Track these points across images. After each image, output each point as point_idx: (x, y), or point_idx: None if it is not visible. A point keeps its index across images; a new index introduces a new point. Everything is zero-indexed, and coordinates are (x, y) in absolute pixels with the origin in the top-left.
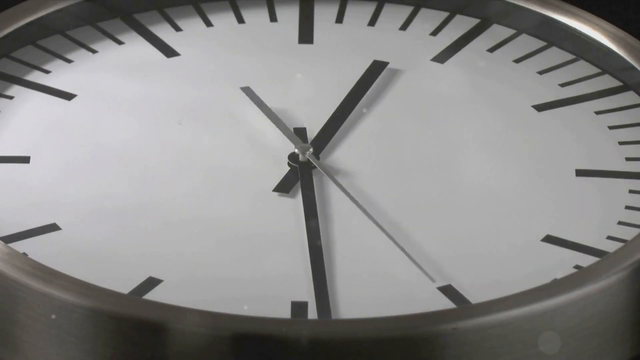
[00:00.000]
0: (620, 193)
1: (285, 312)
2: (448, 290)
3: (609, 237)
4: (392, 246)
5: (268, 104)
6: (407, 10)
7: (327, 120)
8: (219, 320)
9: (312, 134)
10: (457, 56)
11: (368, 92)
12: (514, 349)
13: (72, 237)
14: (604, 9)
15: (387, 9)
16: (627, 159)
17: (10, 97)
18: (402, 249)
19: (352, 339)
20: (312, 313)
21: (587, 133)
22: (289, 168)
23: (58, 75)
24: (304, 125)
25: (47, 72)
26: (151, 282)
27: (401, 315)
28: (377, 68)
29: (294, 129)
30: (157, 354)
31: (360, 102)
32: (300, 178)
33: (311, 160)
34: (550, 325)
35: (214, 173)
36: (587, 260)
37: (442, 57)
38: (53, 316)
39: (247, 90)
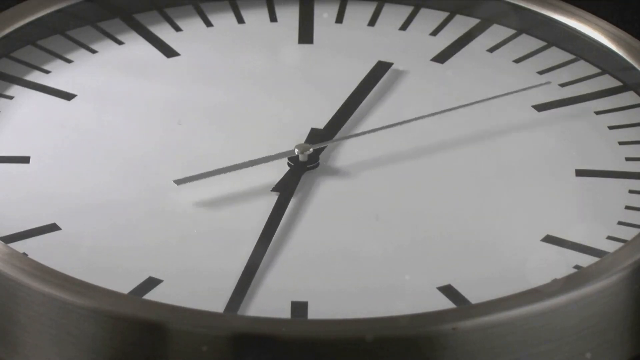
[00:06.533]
0: (620, 193)
1: (285, 312)
2: (448, 290)
3: (609, 237)
4: (389, 246)
5: (268, 104)
6: (407, 10)
7: (329, 120)
8: (219, 320)
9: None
10: (457, 56)
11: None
12: (513, 349)
13: (72, 237)
14: (604, 9)
15: (387, 9)
16: (627, 159)
17: (10, 97)
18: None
19: (351, 339)
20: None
21: (587, 133)
22: (288, 168)
23: (58, 75)
24: (303, 125)
25: (47, 72)
26: (151, 282)
27: (401, 315)
28: (381, 68)
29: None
30: (157, 354)
31: (364, 102)
32: (290, 176)
33: (317, 146)
34: (550, 325)
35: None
36: (587, 260)
37: (442, 57)
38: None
39: (181, 181)
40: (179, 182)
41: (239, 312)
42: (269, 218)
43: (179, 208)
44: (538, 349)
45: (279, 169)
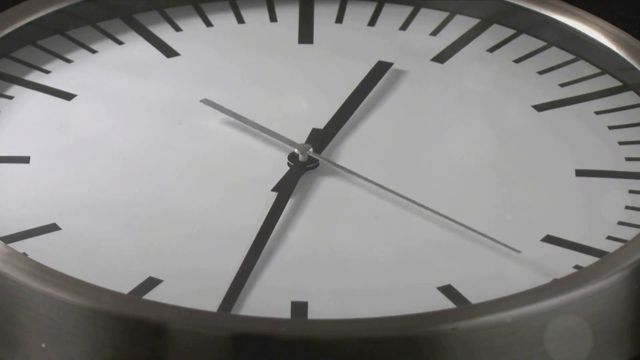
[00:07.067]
0: (620, 193)
1: (285, 312)
2: (448, 290)
3: (609, 237)
4: (387, 246)
5: (268, 104)
6: (407, 10)
7: (329, 120)
8: (219, 320)
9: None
10: (457, 56)
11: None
12: (514, 349)
13: (72, 237)
14: (604, 9)
15: (387, 9)
16: (627, 159)
17: (10, 97)
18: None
19: (351, 339)
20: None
21: (587, 133)
22: (288, 168)
23: (58, 75)
24: (303, 125)
25: (47, 72)
26: (151, 282)
27: (401, 315)
28: (381, 68)
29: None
30: (157, 354)
31: (364, 102)
32: (290, 175)
33: (313, 155)
34: (550, 325)
35: (214, 173)
36: (587, 260)
37: (442, 57)
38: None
39: (207, 102)
40: (204, 101)
41: (233, 311)
42: (266, 217)
43: (179, 208)
44: (538, 349)
45: (279, 169)
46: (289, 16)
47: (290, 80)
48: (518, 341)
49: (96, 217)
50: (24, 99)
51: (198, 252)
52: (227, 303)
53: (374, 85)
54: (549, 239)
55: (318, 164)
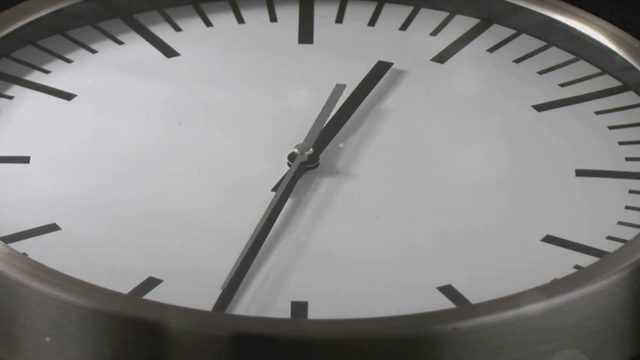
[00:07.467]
0: (620, 193)
1: (285, 312)
2: (448, 290)
3: (609, 237)
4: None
5: (268, 104)
6: (407, 10)
7: (329, 120)
8: (219, 320)
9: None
10: (457, 56)
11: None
12: (514, 349)
13: (72, 237)
14: (604, 9)
15: (387, 9)
16: (627, 159)
17: (10, 97)
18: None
19: (351, 339)
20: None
21: (587, 133)
22: (288, 168)
23: (58, 75)
24: (303, 125)
25: (47, 72)
26: (151, 282)
27: (401, 315)
28: (381, 68)
29: None
30: (157, 354)
31: (364, 102)
32: (290, 175)
33: (291, 163)
34: (550, 325)
35: (214, 173)
36: (587, 260)
37: (442, 57)
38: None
39: (338, 87)
40: (339, 86)
41: (228, 311)
42: (264, 217)
43: (179, 208)
44: (538, 349)
45: (279, 169)
46: (289, 16)
47: (290, 80)
48: (518, 341)
49: (96, 217)
50: (24, 99)
51: (198, 252)
52: (222, 302)
53: (374, 85)
54: (549, 239)
55: (318, 164)
